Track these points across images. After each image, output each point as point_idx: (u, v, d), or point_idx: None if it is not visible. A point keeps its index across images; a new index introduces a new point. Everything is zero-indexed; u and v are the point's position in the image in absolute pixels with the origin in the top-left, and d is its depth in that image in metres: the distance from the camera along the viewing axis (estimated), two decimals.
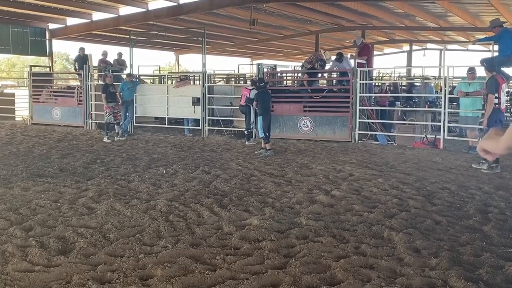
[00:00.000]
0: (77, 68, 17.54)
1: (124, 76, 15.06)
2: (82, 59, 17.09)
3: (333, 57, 14.87)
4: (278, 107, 13.31)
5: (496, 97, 8.95)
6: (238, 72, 23.01)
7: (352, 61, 13.92)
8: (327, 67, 14.60)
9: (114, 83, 13.75)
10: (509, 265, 4.04)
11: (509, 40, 10.03)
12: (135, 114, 14.91)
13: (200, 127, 14.28)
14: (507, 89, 13.77)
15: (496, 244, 4.63)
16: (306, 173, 8.22)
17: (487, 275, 3.83)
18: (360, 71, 12.60)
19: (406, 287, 3.60)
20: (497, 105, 8.97)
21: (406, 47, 29.08)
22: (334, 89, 13.85)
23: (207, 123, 14.27)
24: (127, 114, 14.07)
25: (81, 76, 16.29)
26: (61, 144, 11.93)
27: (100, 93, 14.06)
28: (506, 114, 11.48)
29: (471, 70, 11.26)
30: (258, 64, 14.50)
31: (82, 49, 17.66)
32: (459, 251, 4.39)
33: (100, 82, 15.20)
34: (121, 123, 13.57)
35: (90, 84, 15.84)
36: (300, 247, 4.45)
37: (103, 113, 13.52)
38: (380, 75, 23.21)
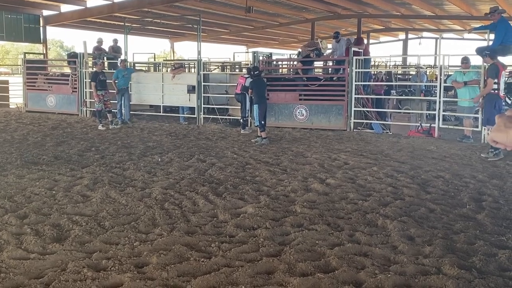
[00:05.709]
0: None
1: (119, 63, 14.87)
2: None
3: (330, 45, 14.80)
4: (274, 95, 13.28)
5: (495, 83, 9.03)
6: (234, 60, 22.88)
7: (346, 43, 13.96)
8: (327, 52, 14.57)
9: (109, 71, 13.59)
10: (502, 253, 4.07)
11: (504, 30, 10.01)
12: (130, 102, 14.84)
13: (195, 115, 14.25)
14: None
15: (489, 232, 4.67)
16: (301, 162, 8.23)
17: (481, 263, 3.86)
18: (356, 59, 12.57)
19: (400, 275, 3.62)
20: (496, 91, 9.05)
21: (402, 35, 29.00)
22: (334, 78, 13.77)
23: (202, 111, 14.23)
24: (124, 102, 13.95)
25: (75, 64, 16.15)
26: (55, 132, 11.87)
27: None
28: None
29: (465, 60, 11.23)
30: (254, 52, 14.43)
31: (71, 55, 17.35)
32: (453, 239, 4.42)
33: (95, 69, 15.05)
34: (113, 111, 13.46)
35: (85, 72, 15.73)
36: (295, 235, 4.47)
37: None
38: (376, 63, 23.15)
